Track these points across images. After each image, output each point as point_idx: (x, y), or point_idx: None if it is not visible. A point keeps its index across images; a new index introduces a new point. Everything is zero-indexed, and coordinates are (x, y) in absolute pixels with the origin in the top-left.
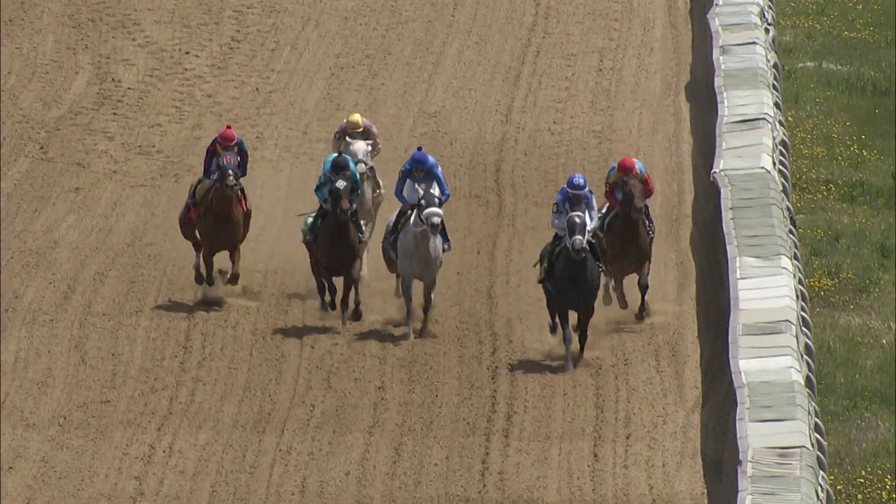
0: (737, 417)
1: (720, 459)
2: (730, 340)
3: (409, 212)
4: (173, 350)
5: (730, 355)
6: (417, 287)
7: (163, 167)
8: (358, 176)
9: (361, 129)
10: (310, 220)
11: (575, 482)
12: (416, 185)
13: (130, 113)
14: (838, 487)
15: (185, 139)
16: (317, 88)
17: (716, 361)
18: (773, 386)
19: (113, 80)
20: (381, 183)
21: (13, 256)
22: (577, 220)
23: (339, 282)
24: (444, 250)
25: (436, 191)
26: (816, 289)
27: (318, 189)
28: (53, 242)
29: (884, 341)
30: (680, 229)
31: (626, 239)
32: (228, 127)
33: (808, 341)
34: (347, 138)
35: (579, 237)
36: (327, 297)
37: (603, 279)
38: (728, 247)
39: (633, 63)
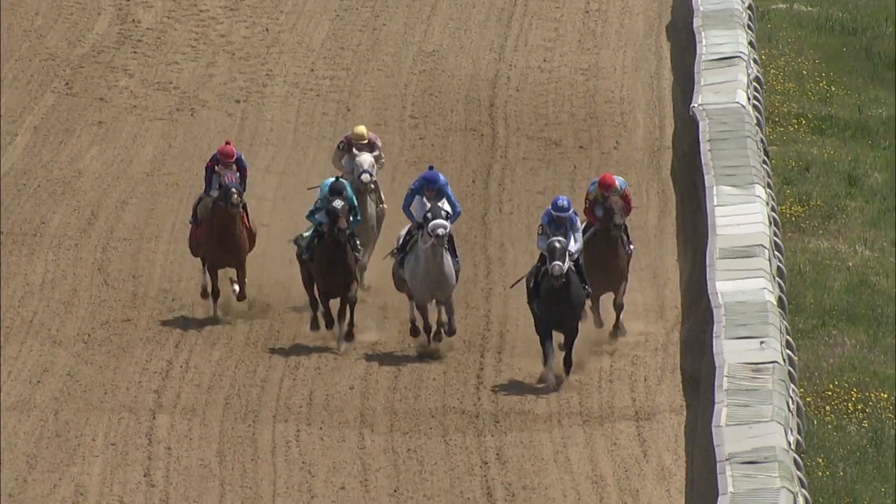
0: (713, 335)
1: (698, 374)
2: (707, 264)
3: (418, 231)
4: (190, 272)
5: (707, 277)
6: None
7: (179, 102)
8: (355, 201)
9: (366, 142)
10: (307, 234)
11: (563, 395)
12: (425, 201)
13: (149, 51)
14: (808, 399)
15: (200, 76)
16: (323, 28)
17: (694, 283)
18: (748, 306)
19: (133, 20)
20: (383, 197)
21: (40, 185)
22: (558, 245)
23: (334, 302)
24: (455, 267)
25: (446, 206)
26: (788, 215)
27: (311, 214)
28: (78, 172)
29: (850, 264)
30: (661, 160)
31: (604, 256)
32: (227, 143)
33: (780, 264)
34: (354, 150)
35: (558, 263)
36: (320, 319)
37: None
38: (706, 176)
39: (618, 5)
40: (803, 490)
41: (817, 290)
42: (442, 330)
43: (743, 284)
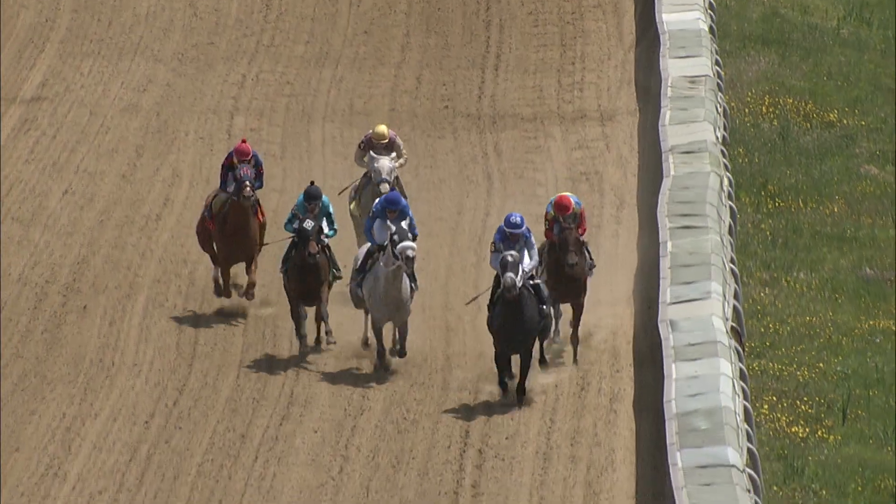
0: (660, 55)
1: (648, 85)
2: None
3: (378, 253)
4: (260, 6)
5: (655, 10)
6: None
7: None
8: (331, 208)
9: (386, 141)
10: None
11: (545, 103)
12: (389, 223)
13: None
14: (731, 104)
15: None
16: None
17: (646, 14)
18: (687, 32)
19: None
20: (406, 194)
21: None
22: (510, 258)
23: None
24: (411, 290)
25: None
26: None
27: (288, 223)
28: None
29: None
30: None
31: (561, 272)
32: (244, 141)
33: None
34: (372, 153)
35: (510, 274)
36: (303, 330)
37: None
38: None
39: None
40: (727, 173)
41: (740, 20)
42: (395, 351)
43: (682, 16)
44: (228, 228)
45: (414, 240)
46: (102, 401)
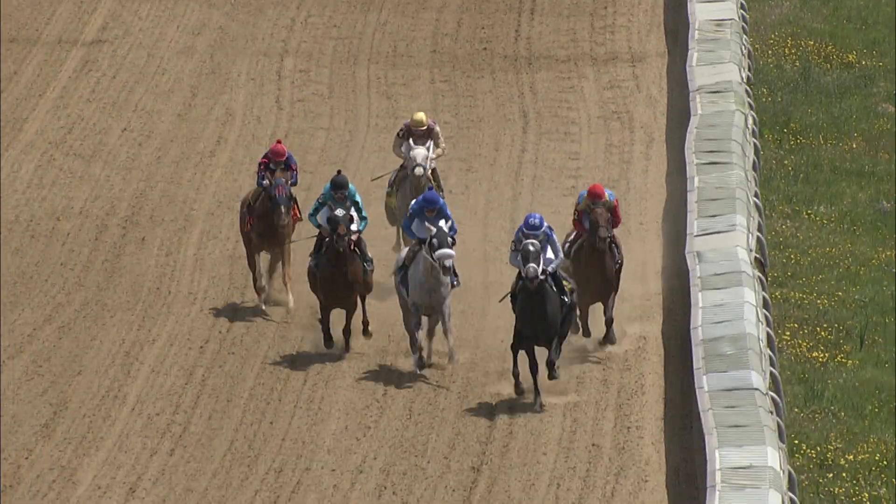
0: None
1: (676, 28)
2: None
3: (419, 246)
4: None
5: None
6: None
7: None
8: (358, 196)
9: (425, 128)
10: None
11: (580, 45)
12: (427, 224)
13: None
14: (756, 46)
15: None
16: None
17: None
18: None
19: None
20: (443, 186)
21: None
22: (531, 248)
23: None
24: (453, 286)
25: (445, 227)
26: None
27: (312, 215)
28: None
29: None
30: None
31: (592, 268)
32: (279, 142)
33: None
34: (410, 140)
35: (533, 265)
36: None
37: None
38: None
39: None
40: (752, 112)
41: None
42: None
43: None
44: (262, 225)
45: (453, 240)
46: (160, 327)
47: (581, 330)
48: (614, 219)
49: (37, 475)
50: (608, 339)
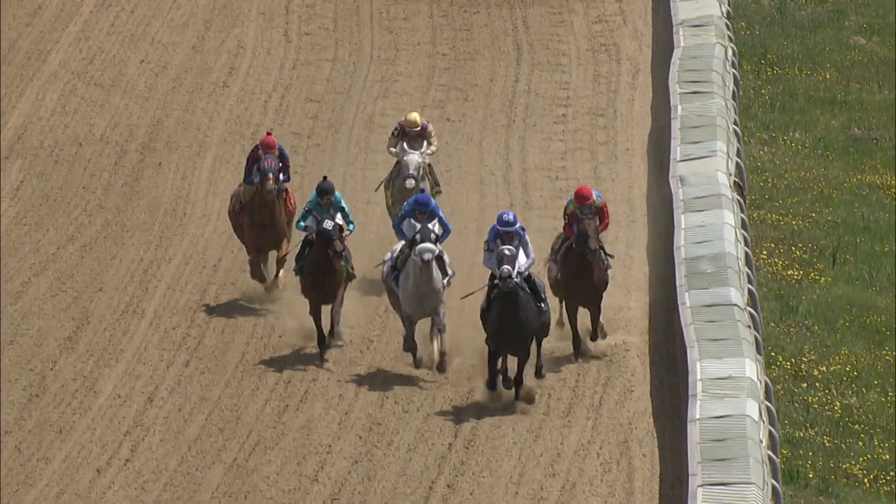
0: None
1: None
2: None
3: (409, 248)
4: None
5: None
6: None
7: None
8: (343, 202)
9: (419, 129)
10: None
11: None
12: (413, 222)
13: None
14: None
15: None
16: None
17: None
18: None
19: None
20: (439, 181)
21: None
22: (507, 252)
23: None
24: (445, 284)
25: (437, 228)
26: None
27: (300, 220)
28: None
29: None
30: None
31: (581, 276)
32: (269, 134)
33: None
34: (405, 145)
35: (507, 266)
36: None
37: (554, 317)
38: None
39: None
40: (731, 44)
41: None
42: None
43: None
44: (257, 218)
45: (445, 236)
46: (175, 247)
47: (572, 338)
48: (602, 220)
49: (61, 385)
50: (594, 337)
